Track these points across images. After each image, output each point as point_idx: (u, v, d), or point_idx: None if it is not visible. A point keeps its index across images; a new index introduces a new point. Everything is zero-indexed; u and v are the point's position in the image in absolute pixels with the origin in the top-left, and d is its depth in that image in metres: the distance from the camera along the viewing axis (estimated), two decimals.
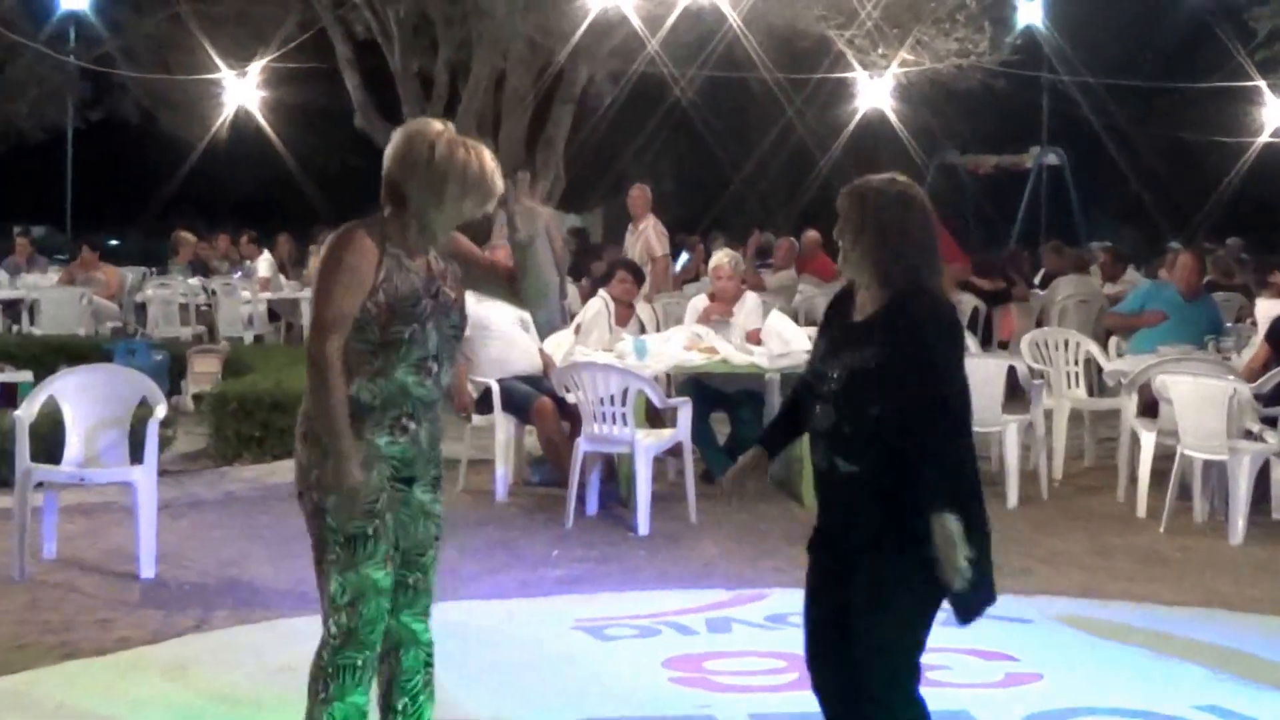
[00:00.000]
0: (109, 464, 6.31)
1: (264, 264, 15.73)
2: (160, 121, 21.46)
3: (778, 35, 15.55)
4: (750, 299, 8.62)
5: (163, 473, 6.90)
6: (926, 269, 3.35)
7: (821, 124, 20.71)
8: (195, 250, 16.60)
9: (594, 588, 6.10)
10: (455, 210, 3.47)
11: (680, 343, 7.98)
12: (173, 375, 10.42)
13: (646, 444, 7.16)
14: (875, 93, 17.80)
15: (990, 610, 5.71)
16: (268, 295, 14.80)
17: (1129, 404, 7.84)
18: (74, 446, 6.32)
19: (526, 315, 8.24)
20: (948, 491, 3.20)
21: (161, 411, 6.28)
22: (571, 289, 11.97)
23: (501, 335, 7.89)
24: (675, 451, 7.61)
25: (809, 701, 4.48)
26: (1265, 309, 9.60)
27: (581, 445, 7.21)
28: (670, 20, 14.13)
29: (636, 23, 14.07)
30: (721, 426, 8.43)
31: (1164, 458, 7.44)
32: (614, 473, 7.74)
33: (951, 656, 4.84)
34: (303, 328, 13.31)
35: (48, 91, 21.47)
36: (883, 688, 3.32)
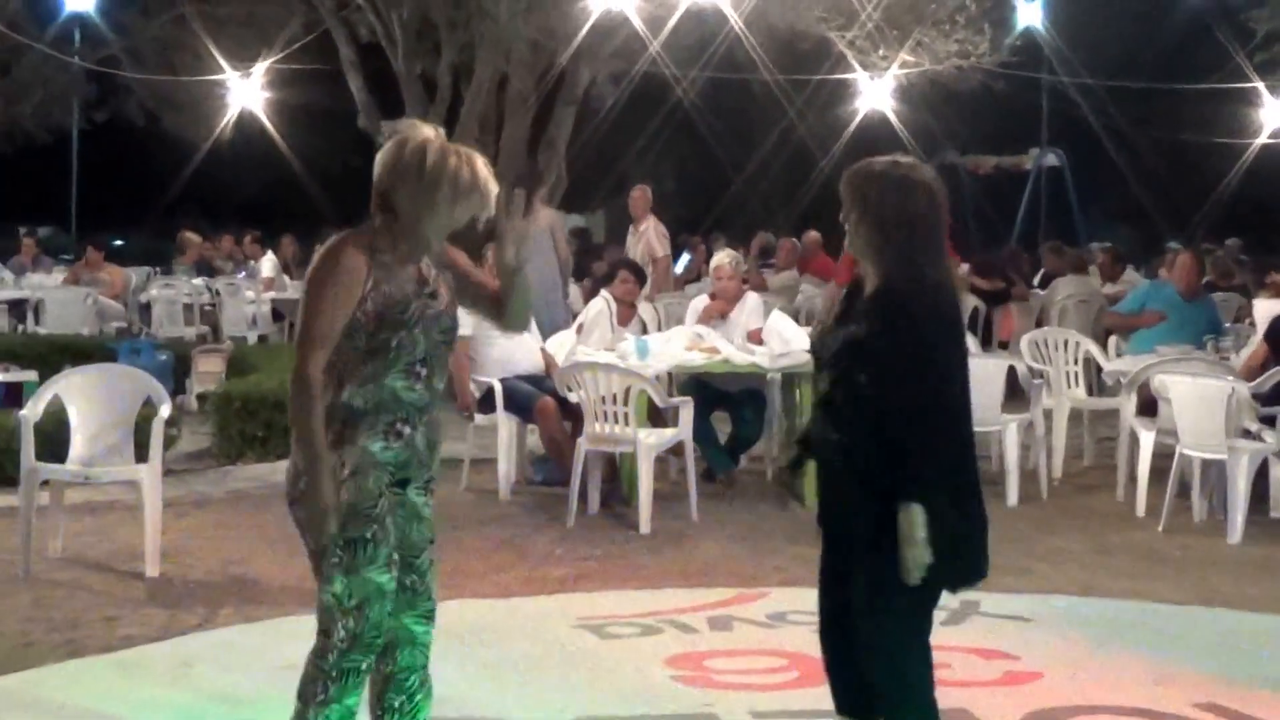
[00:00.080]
0: (114, 463, 6.34)
1: (268, 264, 15.76)
2: (165, 122, 21.48)
3: (779, 37, 15.57)
4: (751, 299, 8.64)
5: (167, 471, 6.95)
6: (925, 254, 3.30)
7: (822, 125, 20.74)
8: (200, 251, 16.65)
9: (596, 586, 6.13)
10: (447, 218, 3.44)
11: (682, 343, 8.01)
12: (177, 375, 10.45)
13: (648, 443, 7.19)
14: (876, 94, 17.83)
15: (990, 609, 5.76)
16: (271, 295, 14.84)
17: (1128, 403, 7.86)
18: (79, 445, 6.34)
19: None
20: (923, 484, 3.21)
21: (166, 411, 6.30)
22: (574, 289, 12.01)
23: (504, 335, 7.92)
24: (677, 450, 7.65)
25: (810, 699, 4.52)
26: (1263, 309, 9.63)
27: (583, 444, 7.24)
28: (672, 22, 14.15)
29: (638, 24, 14.08)
30: (723, 426, 8.46)
31: (1163, 457, 7.46)
32: (616, 472, 7.78)
33: (952, 655, 4.85)
34: None
35: (53, 93, 21.50)
36: (889, 687, 3.34)
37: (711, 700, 4.65)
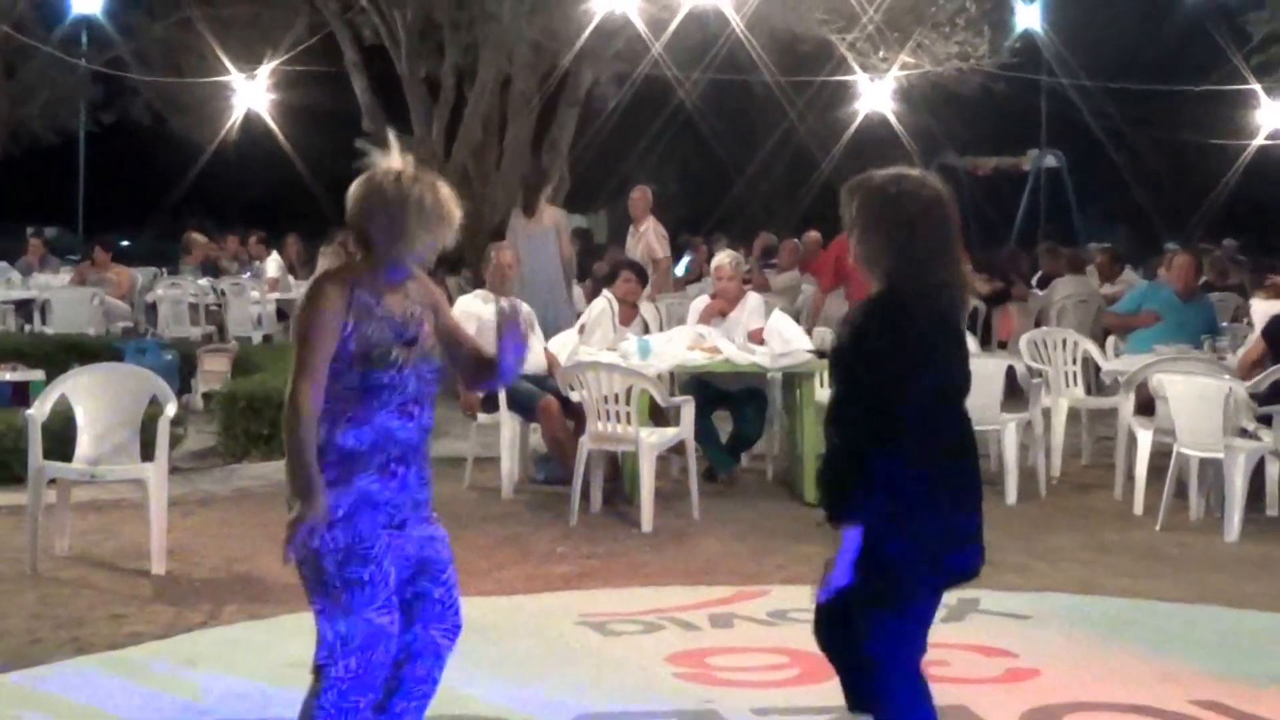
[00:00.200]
0: (120, 462, 6.37)
1: (273, 264, 15.79)
2: (171, 124, 21.52)
3: (780, 39, 15.62)
4: (752, 299, 8.67)
5: (173, 470, 7.00)
6: (929, 261, 3.31)
7: (823, 126, 20.77)
8: (206, 251, 16.69)
9: (598, 583, 6.16)
10: (421, 243, 3.51)
11: (683, 342, 8.05)
12: (183, 374, 10.50)
13: (650, 442, 7.23)
14: (876, 95, 17.85)
15: (990, 606, 5.79)
16: (276, 295, 14.87)
17: (1126, 403, 7.89)
18: (85, 444, 6.38)
19: (532, 315, 8.33)
20: (840, 499, 3.26)
21: (172, 410, 6.34)
22: (576, 289, 12.06)
23: None
24: (679, 449, 7.68)
25: (811, 697, 4.57)
26: (1261, 308, 9.65)
27: (586, 443, 7.29)
28: (674, 24, 14.20)
29: (640, 27, 14.13)
30: (724, 425, 8.50)
31: (1161, 455, 7.49)
32: (618, 471, 7.81)
33: (951, 652, 4.88)
34: None
35: (60, 94, 21.57)
36: (881, 683, 3.37)
37: (713, 697, 4.68)
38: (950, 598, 3.66)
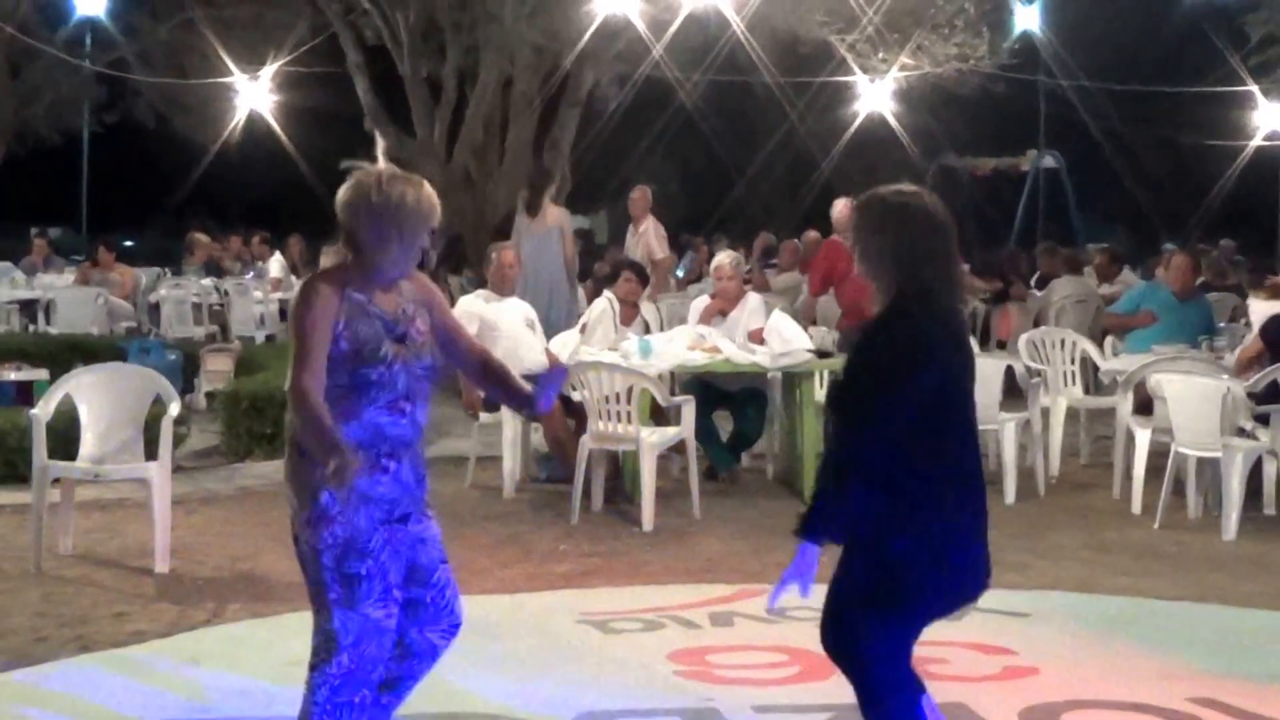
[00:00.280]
0: (124, 461, 6.40)
1: (275, 264, 15.82)
2: (174, 124, 21.55)
3: (780, 40, 15.64)
4: (753, 299, 8.70)
5: (176, 469, 7.01)
6: (932, 276, 3.35)
7: (823, 127, 20.79)
8: (209, 251, 16.72)
9: (599, 582, 6.18)
10: (410, 241, 3.57)
11: (684, 342, 8.07)
12: (186, 374, 10.54)
13: (651, 441, 7.25)
14: (876, 96, 17.88)
15: (989, 604, 5.81)
16: (279, 295, 14.89)
17: (1124, 402, 7.91)
18: (89, 443, 6.41)
19: (534, 315, 8.38)
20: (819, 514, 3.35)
21: (175, 409, 6.37)
22: (578, 289, 12.08)
23: (509, 334, 8.00)
24: (679, 448, 7.71)
25: (812, 694, 4.59)
26: (1260, 308, 9.68)
27: (587, 443, 7.31)
28: (675, 25, 14.22)
29: (641, 28, 14.16)
30: (724, 424, 8.53)
31: (1159, 455, 7.51)
32: (619, 470, 7.84)
33: (950, 650, 4.91)
34: None
35: (64, 95, 21.58)
36: (873, 682, 3.39)
37: (714, 695, 4.69)
38: None
